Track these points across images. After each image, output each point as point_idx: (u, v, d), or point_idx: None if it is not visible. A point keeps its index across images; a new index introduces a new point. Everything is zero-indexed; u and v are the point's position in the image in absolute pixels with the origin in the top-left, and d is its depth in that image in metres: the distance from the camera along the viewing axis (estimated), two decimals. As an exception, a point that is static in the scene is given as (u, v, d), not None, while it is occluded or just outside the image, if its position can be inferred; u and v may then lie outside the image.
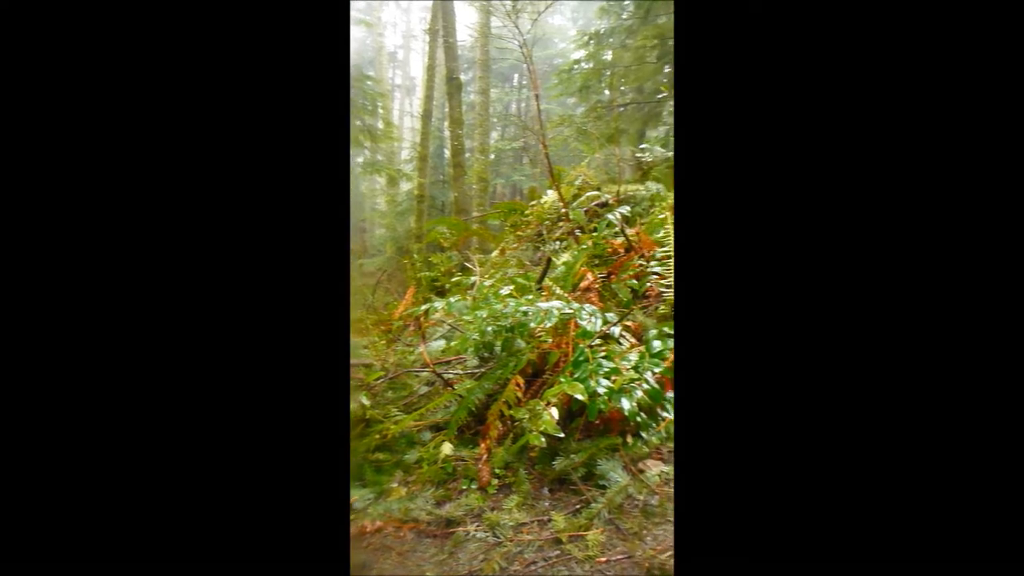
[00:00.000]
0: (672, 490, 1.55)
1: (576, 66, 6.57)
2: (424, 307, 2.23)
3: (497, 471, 1.81)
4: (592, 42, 6.50)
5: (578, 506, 1.58)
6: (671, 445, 1.74)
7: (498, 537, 1.51)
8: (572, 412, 1.87)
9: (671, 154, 4.14)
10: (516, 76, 15.16)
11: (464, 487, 1.78)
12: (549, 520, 1.54)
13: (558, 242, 3.39)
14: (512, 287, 2.72)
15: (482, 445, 1.86)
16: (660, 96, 5.69)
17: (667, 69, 6.11)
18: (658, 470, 1.64)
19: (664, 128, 6.13)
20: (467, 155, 7.81)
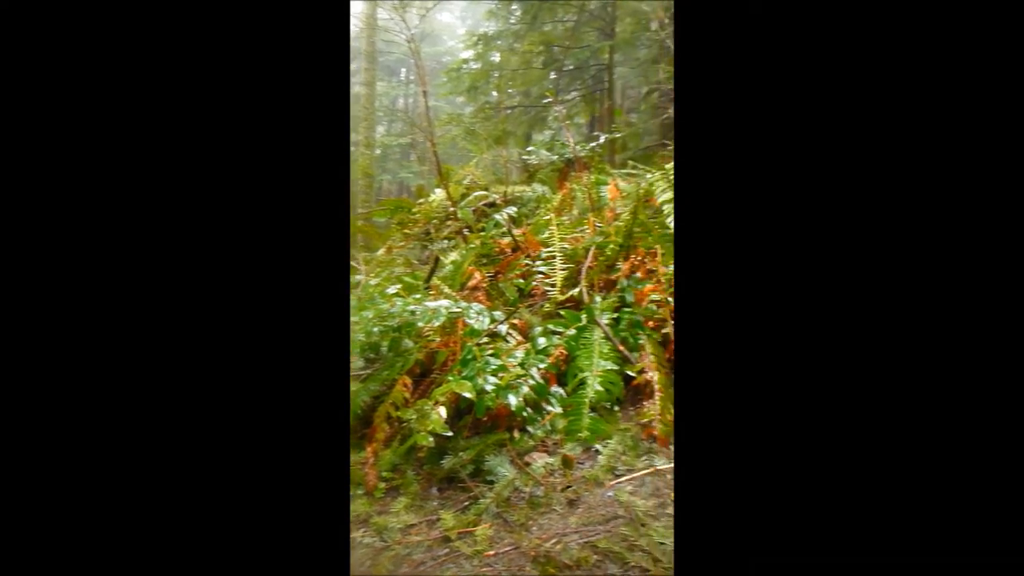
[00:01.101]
0: (558, 480, 1.62)
1: (464, 65, 6.59)
2: (305, 307, 2.12)
3: (384, 474, 1.78)
4: (480, 43, 6.56)
5: (466, 503, 1.60)
6: (556, 438, 1.81)
7: (386, 541, 1.48)
8: (460, 410, 1.88)
9: (555, 157, 4.30)
10: (403, 71, 14.87)
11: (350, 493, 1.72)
12: (438, 519, 1.54)
13: (446, 241, 3.38)
14: (399, 286, 2.67)
15: (368, 449, 1.81)
16: (546, 101, 5.88)
17: (552, 75, 6.33)
18: (543, 462, 1.71)
19: (549, 132, 6.34)
20: (352, 149, 7.52)
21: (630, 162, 3.98)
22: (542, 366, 1.97)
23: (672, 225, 2.37)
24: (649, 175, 2.76)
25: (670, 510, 1.40)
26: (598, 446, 1.73)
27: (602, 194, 3.02)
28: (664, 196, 2.52)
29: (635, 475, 1.58)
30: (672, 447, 1.69)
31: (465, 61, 6.71)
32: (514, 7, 6.76)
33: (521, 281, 2.61)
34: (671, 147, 4.22)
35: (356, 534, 1.52)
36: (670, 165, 2.67)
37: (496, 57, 6.83)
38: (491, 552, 1.37)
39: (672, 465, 1.58)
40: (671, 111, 5.43)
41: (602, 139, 4.09)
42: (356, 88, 9.43)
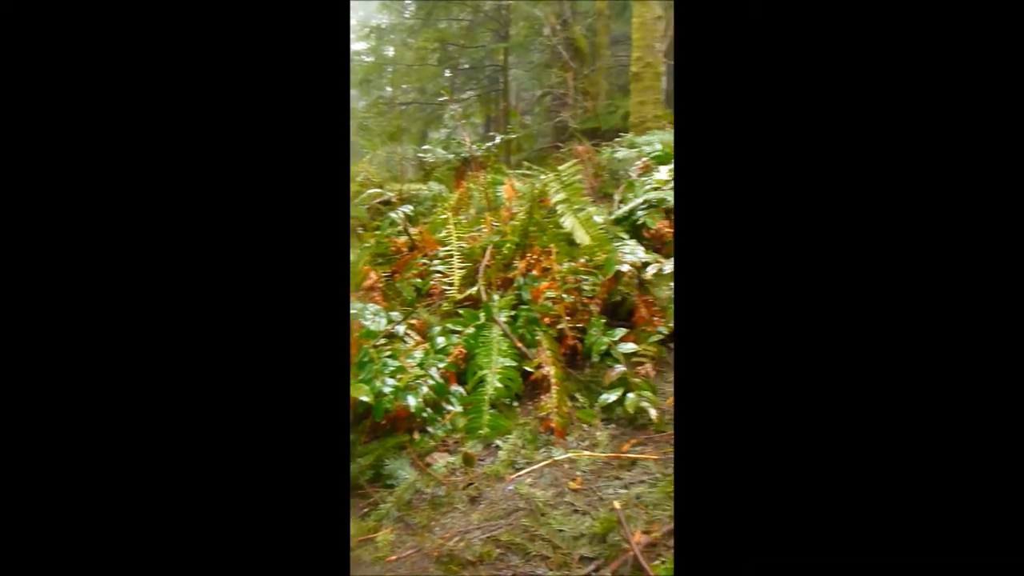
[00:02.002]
0: (459, 478, 1.63)
1: (357, 58, 6.37)
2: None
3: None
4: (373, 36, 6.38)
5: (366, 509, 1.56)
6: (456, 436, 1.82)
7: (278, 557, 1.40)
8: (358, 415, 1.83)
9: (452, 156, 4.29)
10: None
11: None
12: (335, 529, 1.48)
13: (340, 240, 3.25)
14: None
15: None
16: (441, 99, 5.85)
17: (447, 73, 6.31)
18: (444, 461, 1.70)
19: (445, 130, 6.31)
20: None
21: (525, 163, 4.08)
22: (441, 365, 1.97)
23: (566, 225, 2.47)
24: (543, 176, 2.85)
25: (568, 498, 1.46)
26: (498, 442, 1.76)
27: (498, 194, 3.07)
28: (558, 196, 2.61)
29: (534, 467, 1.63)
30: (568, 437, 1.76)
31: (357, 53, 6.49)
32: (408, 2, 6.64)
33: (419, 280, 2.58)
34: (564, 149, 4.37)
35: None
36: (563, 167, 2.76)
37: (390, 51, 6.67)
38: (393, 557, 1.35)
39: (568, 455, 1.65)
40: (564, 115, 5.63)
41: (498, 139, 4.15)
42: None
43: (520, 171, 3.56)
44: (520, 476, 1.60)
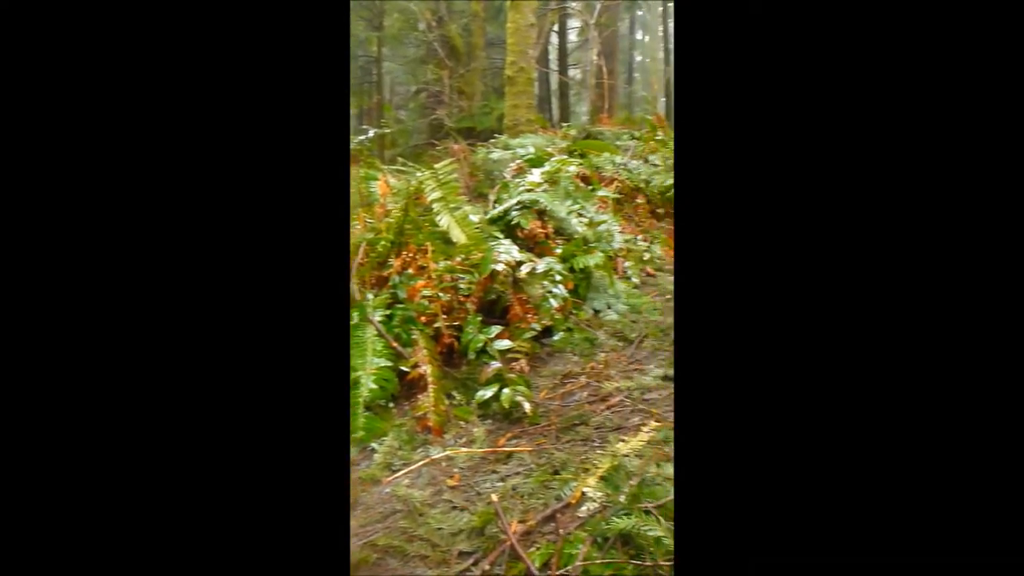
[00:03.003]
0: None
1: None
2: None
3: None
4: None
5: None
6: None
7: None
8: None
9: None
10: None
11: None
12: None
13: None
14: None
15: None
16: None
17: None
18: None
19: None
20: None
21: (400, 159, 4.00)
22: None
23: (442, 223, 2.46)
24: (419, 173, 2.82)
25: (446, 495, 1.47)
26: (374, 444, 1.71)
27: (372, 189, 2.98)
28: (434, 194, 2.60)
29: (411, 467, 1.61)
30: (446, 435, 1.77)
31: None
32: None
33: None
34: (440, 147, 4.36)
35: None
36: (440, 165, 2.76)
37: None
38: (258, 574, 1.26)
39: (446, 453, 1.66)
40: (439, 112, 5.61)
41: (371, 133, 4.02)
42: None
43: (395, 167, 3.48)
44: (397, 477, 1.57)
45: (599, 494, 1.31)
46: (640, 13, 15.24)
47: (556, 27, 10.00)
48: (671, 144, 4.73)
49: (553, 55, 11.14)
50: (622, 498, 1.26)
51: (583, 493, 1.33)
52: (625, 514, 1.18)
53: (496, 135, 4.48)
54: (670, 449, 1.47)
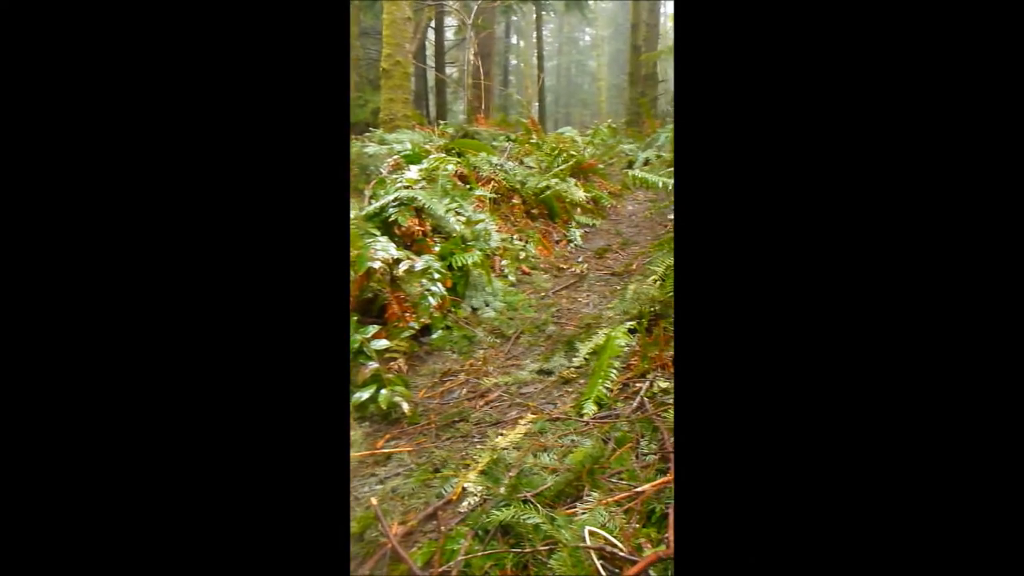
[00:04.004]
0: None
1: None
2: None
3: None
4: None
5: None
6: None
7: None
8: None
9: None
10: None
11: None
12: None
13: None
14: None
15: None
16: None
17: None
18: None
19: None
20: None
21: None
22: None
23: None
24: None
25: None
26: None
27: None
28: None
29: (282, 477, 1.52)
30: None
31: None
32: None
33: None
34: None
35: None
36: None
37: None
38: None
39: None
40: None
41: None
42: None
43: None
44: (265, 489, 1.47)
45: (479, 488, 1.34)
46: (515, 19, 15.64)
47: (433, 24, 9.93)
48: (545, 147, 4.93)
49: (430, 51, 11.04)
50: (502, 490, 1.30)
51: (464, 489, 1.35)
52: (505, 505, 1.22)
53: (371, 129, 4.34)
54: (546, 439, 1.54)
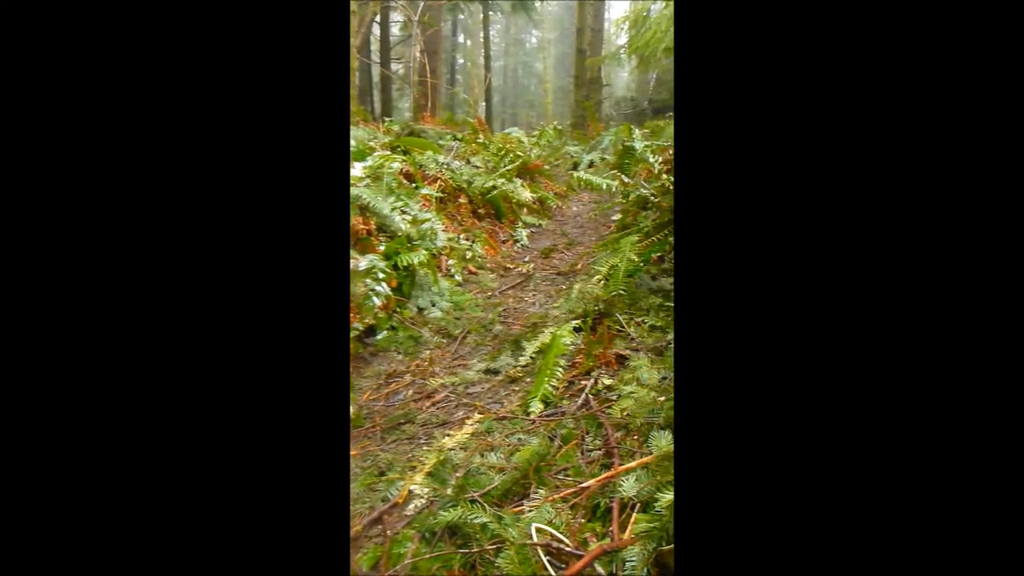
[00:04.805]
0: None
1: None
2: None
3: None
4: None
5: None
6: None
7: None
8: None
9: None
10: None
11: None
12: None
13: None
14: None
15: None
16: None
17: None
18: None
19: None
20: None
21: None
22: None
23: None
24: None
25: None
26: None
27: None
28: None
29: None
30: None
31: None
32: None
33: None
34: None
35: None
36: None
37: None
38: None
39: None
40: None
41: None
42: None
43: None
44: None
45: (426, 490, 1.33)
46: (462, 17, 15.57)
47: (379, 19, 9.74)
48: (492, 147, 4.94)
49: (375, 47, 10.83)
50: (448, 491, 1.29)
51: (410, 491, 1.34)
52: (452, 506, 1.21)
53: (313, 124, 4.21)
54: (493, 439, 1.55)
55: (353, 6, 4.61)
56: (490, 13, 13.22)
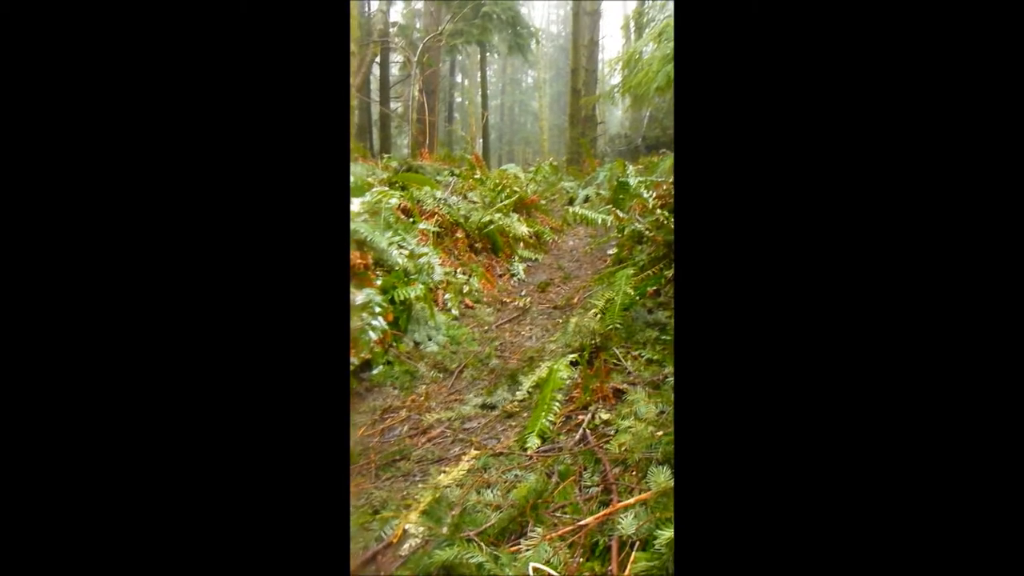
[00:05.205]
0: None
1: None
2: None
3: None
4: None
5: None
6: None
7: None
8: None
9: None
10: None
11: None
12: None
13: None
14: None
15: None
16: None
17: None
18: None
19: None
20: None
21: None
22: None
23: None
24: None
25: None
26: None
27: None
28: None
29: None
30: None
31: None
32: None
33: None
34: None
35: None
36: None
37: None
38: None
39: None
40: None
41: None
42: None
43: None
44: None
45: (421, 529, 1.30)
46: (460, 58, 16.02)
47: (378, 59, 10.02)
48: (488, 183, 5.01)
49: (375, 86, 11.10)
50: (444, 530, 1.27)
51: (405, 530, 1.31)
52: (447, 545, 1.18)
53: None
54: (489, 475, 1.52)
55: (353, 47, 4.75)
56: (487, 54, 13.61)
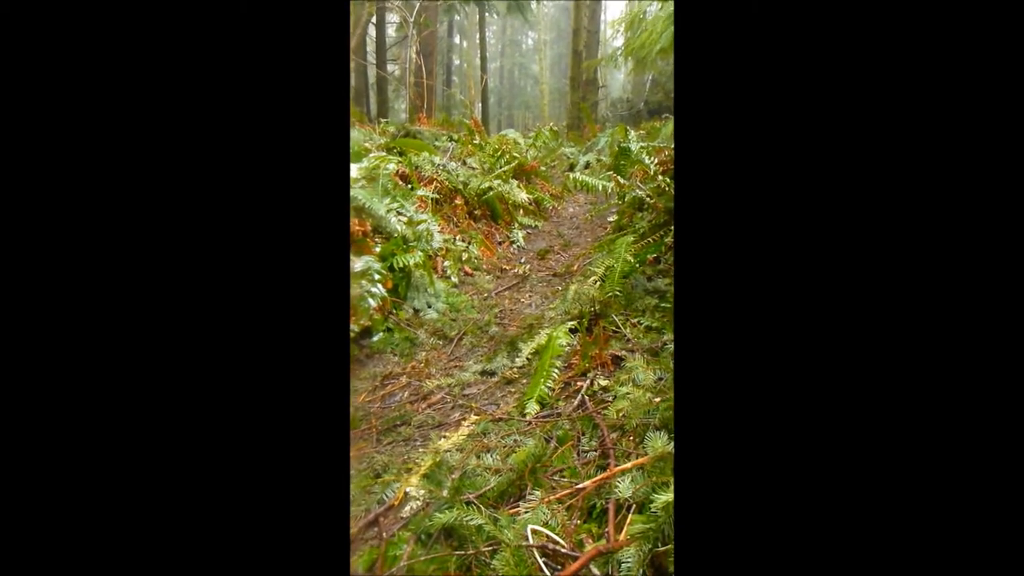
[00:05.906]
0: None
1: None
2: None
3: None
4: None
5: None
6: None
7: None
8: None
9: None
10: None
11: None
12: None
13: None
14: None
15: None
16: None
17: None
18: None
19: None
20: None
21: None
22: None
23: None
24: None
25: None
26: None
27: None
28: None
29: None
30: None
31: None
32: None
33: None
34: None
35: None
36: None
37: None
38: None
39: None
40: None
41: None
42: None
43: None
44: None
45: (422, 492, 1.32)
46: (458, 18, 15.58)
47: (374, 19, 9.74)
48: (488, 149, 4.94)
49: (371, 48, 10.82)
50: (444, 493, 1.29)
51: (406, 493, 1.33)
52: (447, 508, 1.21)
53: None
54: (489, 440, 1.55)
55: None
56: (486, 15, 13.23)
